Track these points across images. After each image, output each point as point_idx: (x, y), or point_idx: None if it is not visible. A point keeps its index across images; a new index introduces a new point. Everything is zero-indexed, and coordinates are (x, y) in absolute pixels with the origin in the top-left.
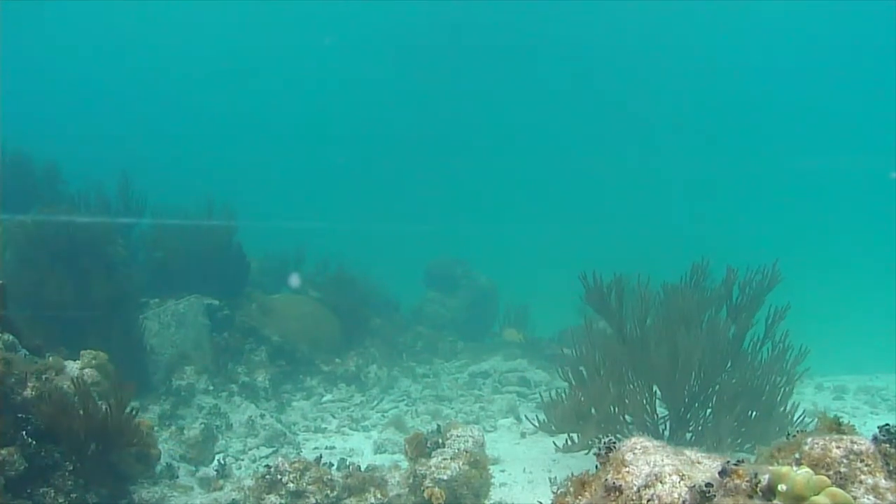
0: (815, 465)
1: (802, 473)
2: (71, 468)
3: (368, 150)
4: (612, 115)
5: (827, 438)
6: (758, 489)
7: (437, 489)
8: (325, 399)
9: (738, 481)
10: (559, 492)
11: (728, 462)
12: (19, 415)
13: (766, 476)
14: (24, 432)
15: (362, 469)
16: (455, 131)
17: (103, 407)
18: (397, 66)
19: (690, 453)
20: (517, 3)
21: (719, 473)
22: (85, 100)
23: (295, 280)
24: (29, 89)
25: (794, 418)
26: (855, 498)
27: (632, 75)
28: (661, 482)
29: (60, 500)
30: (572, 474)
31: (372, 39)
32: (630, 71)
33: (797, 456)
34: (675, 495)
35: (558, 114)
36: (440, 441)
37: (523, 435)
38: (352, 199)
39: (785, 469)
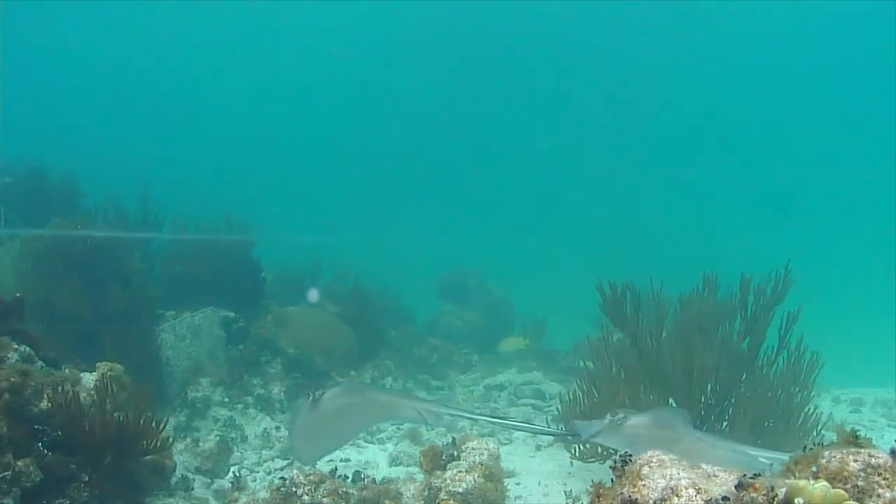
0: (833, 479)
1: (820, 487)
2: (86, 479)
3: (384, 161)
4: (628, 126)
5: (844, 452)
6: (774, 503)
7: (452, 502)
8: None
9: (754, 495)
10: None
11: (745, 475)
12: (36, 426)
13: (783, 489)
14: (40, 443)
15: (377, 481)
16: (470, 142)
17: (119, 418)
18: (412, 76)
19: (707, 466)
20: (531, 10)
21: (736, 487)
22: (105, 114)
23: (314, 295)
24: (50, 102)
25: (811, 431)
26: None
27: (644, 85)
28: (677, 496)
29: None
30: (590, 482)
31: (387, 50)
32: (642, 80)
33: (814, 469)
34: None
35: (575, 125)
36: (455, 453)
37: (539, 448)
38: (367, 211)
39: (802, 482)
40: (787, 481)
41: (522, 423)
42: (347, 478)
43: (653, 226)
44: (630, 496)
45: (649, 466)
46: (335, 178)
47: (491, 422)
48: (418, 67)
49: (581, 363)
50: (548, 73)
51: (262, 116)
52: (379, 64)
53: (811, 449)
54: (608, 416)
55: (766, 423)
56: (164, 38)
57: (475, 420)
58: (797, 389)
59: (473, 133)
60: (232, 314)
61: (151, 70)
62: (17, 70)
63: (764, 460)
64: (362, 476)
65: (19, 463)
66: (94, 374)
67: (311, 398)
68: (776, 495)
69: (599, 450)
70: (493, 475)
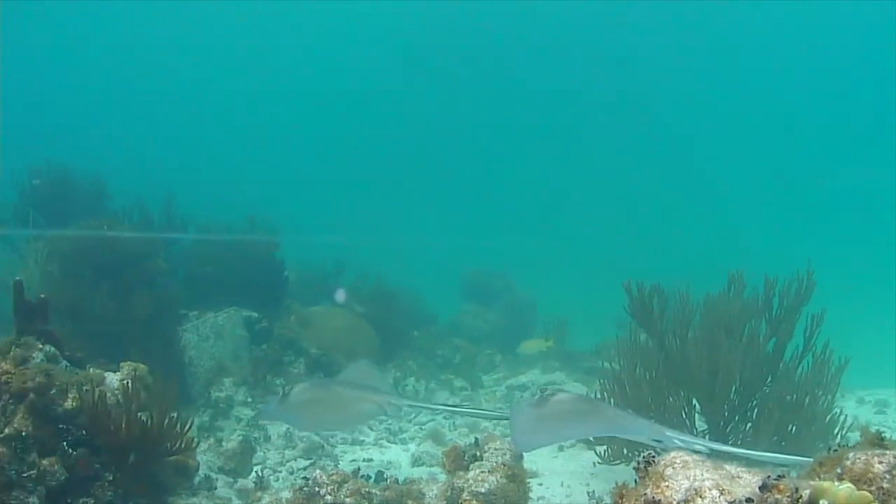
0: (858, 481)
1: (844, 489)
2: (110, 479)
3: (407, 162)
4: (651, 127)
5: (869, 453)
6: None
7: (475, 502)
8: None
9: (778, 496)
10: None
11: (769, 477)
12: (60, 425)
13: (808, 491)
14: (64, 443)
15: (400, 482)
16: (495, 144)
17: (143, 418)
18: (434, 77)
19: (730, 467)
20: (551, 11)
21: (760, 488)
22: (132, 117)
23: (341, 295)
24: (77, 107)
25: (836, 432)
26: None
27: (654, 84)
28: (700, 497)
29: None
30: (614, 483)
31: (410, 53)
32: (654, 80)
33: (839, 471)
34: None
35: (598, 127)
36: (478, 454)
37: (561, 448)
38: (385, 213)
39: (826, 484)
40: (812, 483)
41: (476, 409)
42: (370, 478)
43: (664, 224)
44: (653, 497)
45: (673, 467)
46: (351, 179)
47: (448, 411)
48: (442, 67)
49: (607, 364)
50: (564, 73)
51: (278, 117)
52: (395, 66)
53: (836, 450)
54: (538, 391)
55: (789, 427)
56: (187, 44)
57: (435, 410)
58: (822, 392)
59: (493, 133)
60: (255, 314)
61: (177, 77)
62: (31, 72)
63: (678, 442)
64: (385, 476)
65: (44, 462)
66: (118, 374)
67: (281, 393)
68: (800, 497)
69: (625, 451)
70: (516, 476)
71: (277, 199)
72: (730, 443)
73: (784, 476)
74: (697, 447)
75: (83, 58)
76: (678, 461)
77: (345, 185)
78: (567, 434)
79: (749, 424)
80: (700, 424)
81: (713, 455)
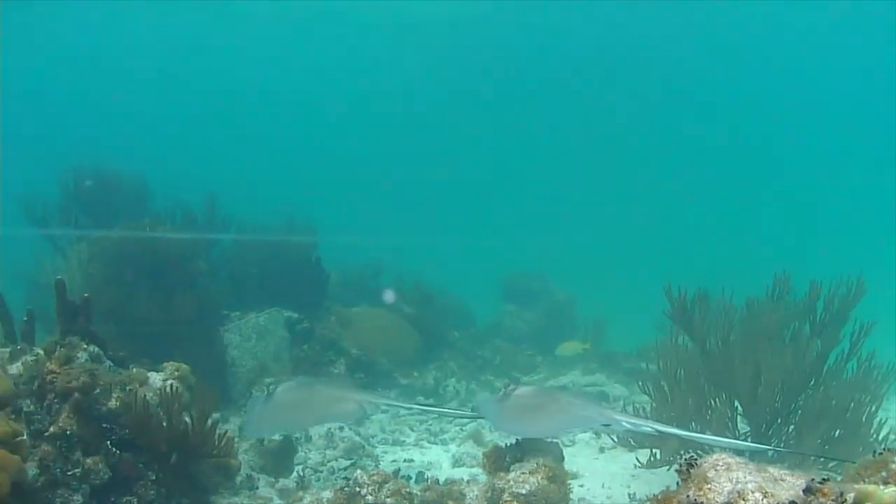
0: None
1: (890, 492)
2: (153, 478)
3: (447, 164)
4: (659, 128)
5: None
6: None
7: (515, 503)
8: (403, 412)
9: (823, 500)
10: None
11: (813, 480)
12: (104, 425)
13: (852, 494)
14: (108, 442)
15: (440, 482)
16: (533, 147)
17: (185, 418)
18: (468, 78)
19: (774, 470)
20: (592, 16)
21: (804, 491)
22: (170, 119)
23: (390, 296)
24: (114, 109)
25: (881, 436)
26: None
27: (670, 87)
28: (744, 500)
29: None
30: (656, 486)
31: (441, 54)
32: (669, 83)
33: (884, 474)
34: None
35: (631, 129)
36: (519, 455)
37: (602, 450)
38: (421, 213)
39: (871, 487)
40: (857, 486)
41: (448, 409)
42: (411, 478)
43: (670, 224)
44: (696, 499)
45: (715, 469)
46: (381, 181)
47: (423, 410)
48: (475, 68)
49: (647, 366)
50: (591, 75)
51: (321, 123)
52: (433, 67)
53: (881, 454)
54: (503, 387)
55: (833, 431)
56: (224, 46)
57: (410, 409)
58: (868, 398)
59: (537, 137)
60: (296, 315)
61: (216, 79)
62: (66, 75)
63: (627, 425)
64: (425, 477)
65: (88, 461)
66: (160, 374)
67: (266, 391)
68: (845, 500)
69: (670, 458)
70: (557, 476)
71: (311, 200)
72: (773, 444)
73: (829, 480)
74: (646, 428)
75: (121, 59)
76: (721, 463)
77: (374, 188)
78: (530, 430)
79: (792, 427)
80: (742, 427)
81: (756, 457)
